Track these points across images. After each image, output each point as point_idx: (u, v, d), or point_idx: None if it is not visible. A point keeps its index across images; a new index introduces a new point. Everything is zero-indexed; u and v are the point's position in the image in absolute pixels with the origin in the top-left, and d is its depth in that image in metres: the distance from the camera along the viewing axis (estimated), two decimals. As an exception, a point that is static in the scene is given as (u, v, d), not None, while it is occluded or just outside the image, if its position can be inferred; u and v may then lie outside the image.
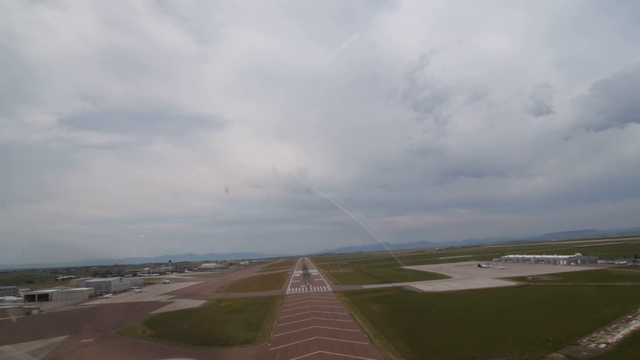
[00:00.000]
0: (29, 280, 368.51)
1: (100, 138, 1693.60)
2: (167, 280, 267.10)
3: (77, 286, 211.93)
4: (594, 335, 65.05)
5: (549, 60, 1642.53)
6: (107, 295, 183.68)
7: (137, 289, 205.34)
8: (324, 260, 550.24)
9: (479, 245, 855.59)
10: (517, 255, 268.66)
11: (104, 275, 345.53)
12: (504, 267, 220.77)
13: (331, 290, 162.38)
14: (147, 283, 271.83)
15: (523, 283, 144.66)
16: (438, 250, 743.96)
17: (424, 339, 70.53)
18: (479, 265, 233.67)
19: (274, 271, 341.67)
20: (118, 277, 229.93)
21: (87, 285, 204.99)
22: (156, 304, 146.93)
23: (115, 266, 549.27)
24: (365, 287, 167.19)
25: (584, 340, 62.08)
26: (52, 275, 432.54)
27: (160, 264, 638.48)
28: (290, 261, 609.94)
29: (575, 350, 57.62)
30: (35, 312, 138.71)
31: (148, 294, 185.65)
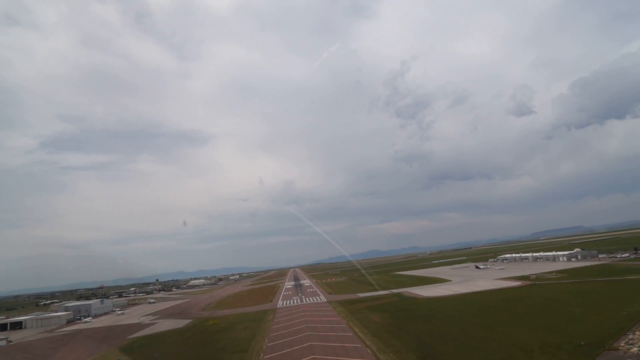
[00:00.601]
0: (9, 307, 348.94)
1: (83, 159, 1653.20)
2: (153, 300, 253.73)
3: (56, 311, 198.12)
4: (630, 336, 57.02)
5: (528, 61, 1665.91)
6: (87, 319, 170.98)
7: (119, 310, 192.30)
8: (316, 270, 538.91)
9: (470, 248, 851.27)
10: (514, 255, 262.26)
11: (88, 298, 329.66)
12: (502, 267, 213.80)
13: (325, 300, 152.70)
14: (132, 304, 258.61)
15: (528, 282, 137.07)
16: (430, 254, 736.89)
17: (436, 351, 61.57)
18: (477, 267, 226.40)
19: (264, 284, 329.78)
20: (99, 299, 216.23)
21: (66, 309, 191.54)
22: (137, 327, 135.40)
23: (100, 288, 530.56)
24: (361, 295, 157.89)
25: (621, 344, 53.98)
26: (36, 301, 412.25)
27: (148, 284, 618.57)
28: (281, 273, 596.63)
29: (617, 356, 49.48)
30: (2, 343, 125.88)
31: (130, 316, 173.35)
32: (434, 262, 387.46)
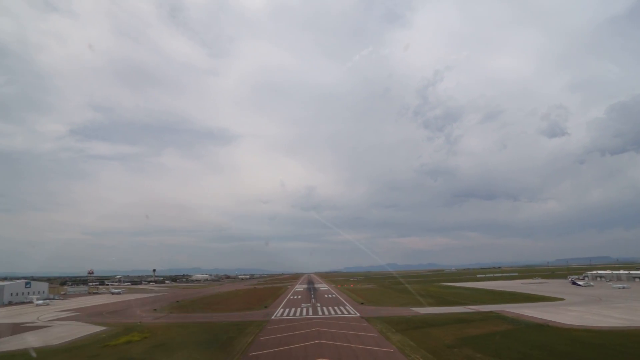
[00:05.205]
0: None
1: (109, 149, 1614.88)
2: (118, 290, 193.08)
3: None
4: None
5: (564, 82, 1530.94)
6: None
7: (39, 300, 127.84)
8: (333, 277, 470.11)
9: (499, 267, 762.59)
10: (616, 272, 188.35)
11: (70, 284, 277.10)
12: (622, 285, 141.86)
13: (358, 315, 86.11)
14: (92, 292, 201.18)
15: None
16: (456, 270, 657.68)
17: None
18: (574, 283, 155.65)
19: (270, 285, 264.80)
20: (24, 282, 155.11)
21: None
22: (7, 330, 72.33)
23: (90, 273, 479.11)
24: (421, 311, 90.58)
25: None
26: None
27: (159, 276, 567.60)
28: (294, 277, 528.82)
29: None
30: None
31: (42, 310, 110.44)
32: (479, 276, 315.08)
